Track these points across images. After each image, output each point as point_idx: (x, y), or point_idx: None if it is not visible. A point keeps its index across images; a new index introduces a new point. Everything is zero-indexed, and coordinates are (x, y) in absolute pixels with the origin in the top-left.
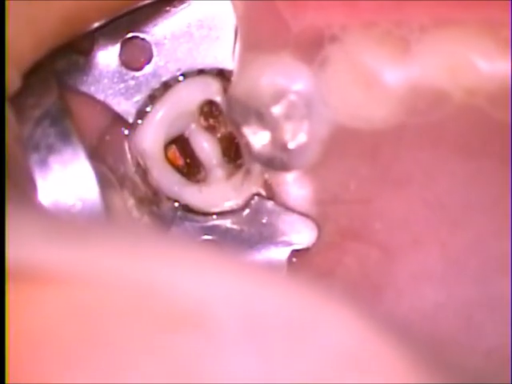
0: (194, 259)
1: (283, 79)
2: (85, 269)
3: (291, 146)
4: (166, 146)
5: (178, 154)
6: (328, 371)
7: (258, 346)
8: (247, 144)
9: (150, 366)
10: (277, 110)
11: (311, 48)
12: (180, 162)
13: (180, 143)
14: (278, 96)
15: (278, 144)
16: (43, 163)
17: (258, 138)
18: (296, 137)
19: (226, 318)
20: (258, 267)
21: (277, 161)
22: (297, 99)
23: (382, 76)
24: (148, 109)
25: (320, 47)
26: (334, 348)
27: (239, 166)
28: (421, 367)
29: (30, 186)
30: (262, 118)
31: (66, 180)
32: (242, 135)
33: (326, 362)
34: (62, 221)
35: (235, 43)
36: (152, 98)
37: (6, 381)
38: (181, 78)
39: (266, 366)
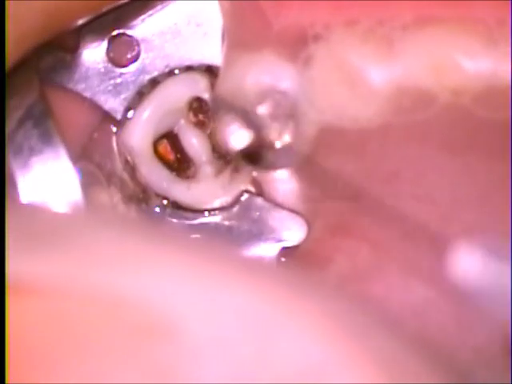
0: (171, 266)
1: (268, 78)
2: (60, 280)
3: (277, 145)
4: (157, 141)
5: (168, 149)
6: (295, 377)
7: (229, 354)
8: (234, 142)
9: (123, 376)
10: (262, 109)
11: (295, 47)
12: (171, 156)
13: (169, 139)
14: (264, 95)
15: (264, 143)
16: (25, 164)
17: (244, 137)
18: (282, 136)
19: (196, 327)
20: (238, 269)
21: (263, 160)
22: (282, 98)
23: (366, 75)
24: (136, 106)
25: (304, 46)
26: (298, 356)
27: (228, 163)
28: (400, 368)
29: (11, 187)
30: (247, 117)
31: (48, 181)
32: (228, 134)
33: (289, 370)
34: (39, 222)
35: (223, 39)
36: (140, 95)
37: (6, 381)
38: (169, 75)
39: (237, 373)
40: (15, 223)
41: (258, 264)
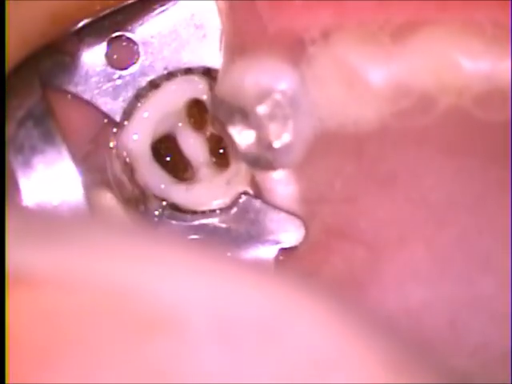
0: (172, 261)
1: (268, 79)
2: (62, 272)
3: (276, 145)
4: (156, 143)
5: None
6: (301, 372)
7: (231, 348)
8: (233, 143)
9: (125, 367)
10: (262, 109)
11: (296, 48)
12: (167, 160)
13: (168, 142)
14: (263, 95)
15: (264, 143)
16: (27, 164)
17: (243, 138)
18: (281, 136)
19: (199, 320)
20: (239, 267)
21: (262, 160)
22: (281, 98)
23: (366, 76)
24: (135, 108)
25: (304, 47)
26: (308, 350)
27: (226, 165)
28: (403, 369)
29: (12, 186)
30: (246, 118)
31: (49, 181)
32: (228, 134)
33: (298, 364)
34: (40, 221)
35: (222, 41)
36: (139, 97)
37: (6, 381)
38: (168, 77)
39: (240, 368)
40: (16, 216)
41: (258, 263)
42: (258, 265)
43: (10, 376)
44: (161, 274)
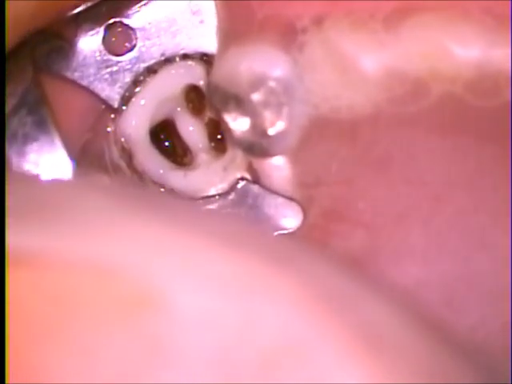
0: (159, 237)
1: (262, 66)
2: (50, 252)
3: (271, 132)
4: (154, 129)
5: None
6: (273, 354)
7: (214, 327)
8: (228, 130)
9: (113, 345)
10: (256, 96)
11: (289, 35)
12: (166, 145)
13: (166, 127)
14: (257, 82)
15: (258, 130)
16: (20, 152)
17: (238, 124)
18: (275, 123)
19: (183, 299)
20: (225, 241)
21: (257, 147)
22: (276, 85)
23: (359, 63)
24: (132, 94)
25: (297, 34)
26: (278, 330)
27: (224, 150)
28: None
29: (6, 175)
30: (241, 105)
31: (43, 168)
32: (223, 121)
33: (271, 345)
34: (30, 199)
35: (218, 27)
36: (136, 83)
37: (6, 381)
38: (165, 63)
39: (221, 346)
40: (13, 198)
41: (244, 238)
42: (248, 244)
43: (13, 349)
44: (146, 252)
